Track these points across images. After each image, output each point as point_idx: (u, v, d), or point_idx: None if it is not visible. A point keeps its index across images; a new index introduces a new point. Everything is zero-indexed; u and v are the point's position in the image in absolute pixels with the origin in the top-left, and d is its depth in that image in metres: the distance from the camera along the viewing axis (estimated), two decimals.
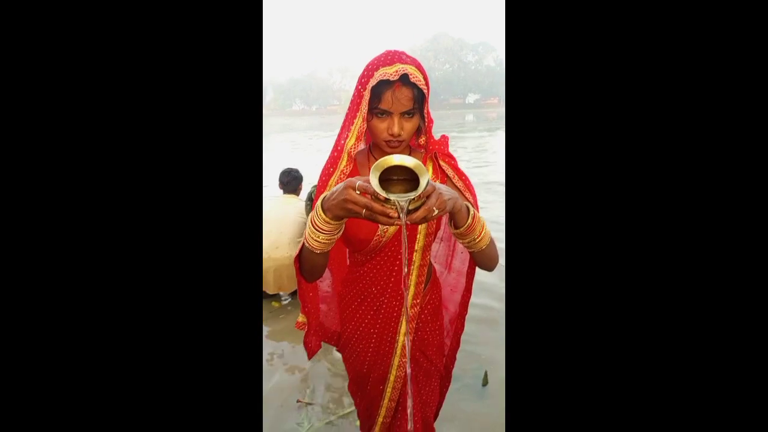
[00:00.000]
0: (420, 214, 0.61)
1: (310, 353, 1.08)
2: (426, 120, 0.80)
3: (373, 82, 0.74)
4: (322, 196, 0.70)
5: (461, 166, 0.91)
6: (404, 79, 0.74)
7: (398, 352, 0.95)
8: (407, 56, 0.77)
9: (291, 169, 2.70)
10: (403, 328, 0.94)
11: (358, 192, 0.61)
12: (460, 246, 1.03)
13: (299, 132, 21.20)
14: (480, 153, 9.88)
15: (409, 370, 0.75)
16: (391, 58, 0.76)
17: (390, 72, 0.73)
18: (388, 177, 0.63)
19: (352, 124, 0.81)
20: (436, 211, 0.62)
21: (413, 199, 0.61)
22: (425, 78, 0.77)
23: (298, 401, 1.67)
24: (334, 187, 0.65)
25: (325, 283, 1.09)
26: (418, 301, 0.93)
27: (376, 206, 0.60)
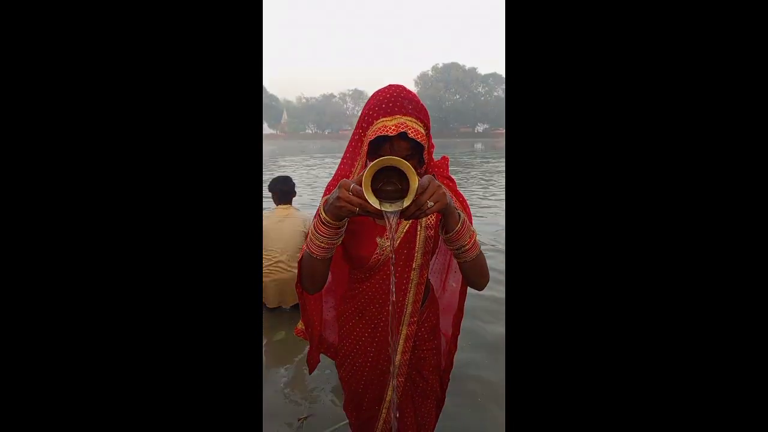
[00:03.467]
0: (412, 209, 0.62)
1: (311, 367, 1.09)
2: (426, 160, 0.82)
3: (371, 133, 0.75)
4: (324, 199, 0.74)
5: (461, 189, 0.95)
6: (403, 135, 0.75)
7: (395, 372, 0.97)
8: (409, 101, 0.77)
9: (286, 176, 2.64)
10: (400, 347, 0.95)
11: (351, 193, 0.64)
12: (455, 263, 1.05)
13: (310, 154, 21.65)
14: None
15: (394, 396, 0.74)
16: (392, 105, 0.75)
17: (390, 125, 0.74)
18: (382, 177, 0.64)
19: (353, 167, 0.83)
20: (432, 204, 0.63)
21: (406, 203, 0.62)
22: (427, 126, 0.78)
23: (298, 419, 1.66)
24: (333, 191, 0.69)
25: (328, 297, 1.11)
26: (415, 319, 0.95)
27: (370, 207, 0.63)
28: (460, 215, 0.74)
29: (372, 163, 0.62)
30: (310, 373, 1.10)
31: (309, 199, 6.57)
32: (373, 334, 0.96)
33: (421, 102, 0.79)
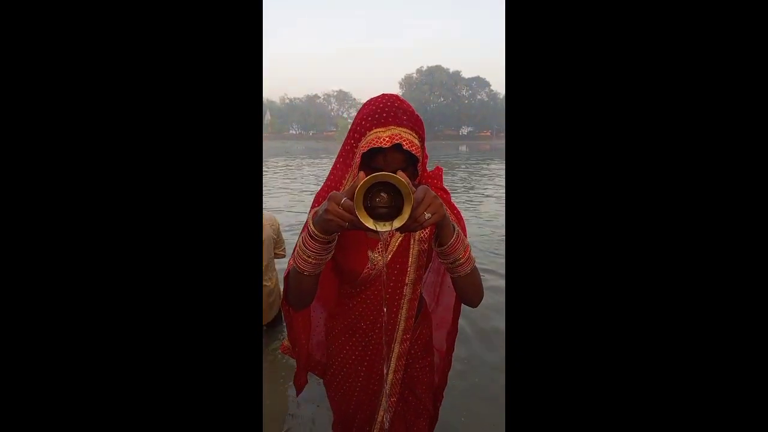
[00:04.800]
0: (408, 222, 0.59)
1: (299, 389, 1.03)
2: (420, 171, 0.78)
3: (364, 145, 0.72)
4: (314, 211, 0.69)
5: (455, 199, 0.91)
6: (397, 147, 0.71)
7: (387, 392, 0.92)
8: (404, 111, 0.73)
9: None
10: (392, 366, 0.90)
11: (341, 207, 0.60)
12: (448, 278, 1.01)
13: (293, 156, 21.44)
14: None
15: (386, 416, 0.71)
16: (386, 116, 0.71)
17: (383, 137, 0.70)
18: (375, 190, 0.61)
19: (344, 178, 0.79)
20: (429, 216, 0.60)
21: (398, 225, 0.59)
22: (422, 137, 0.75)
23: None
24: (323, 203, 0.65)
25: (317, 313, 1.05)
26: (408, 336, 0.90)
27: (360, 224, 0.59)
28: (454, 228, 0.71)
29: (364, 180, 0.58)
30: (297, 395, 1.04)
31: (288, 202, 6.48)
32: (364, 353, 0.91)
33: (416, 112, 0.75)
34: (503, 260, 3.79)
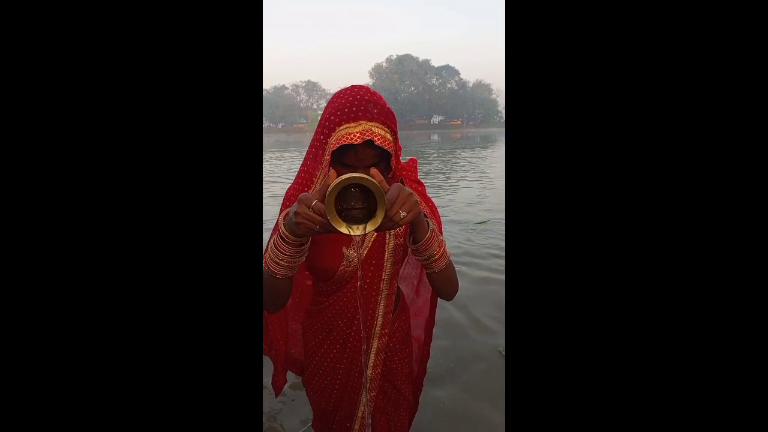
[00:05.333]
0: (383, 222, 0.57)
1: (278, 391, 1.01)
2: (393, 165, 0.76)
3: (334, 141, 0.68)
4: (285, 211, 0.67)
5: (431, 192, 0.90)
6: (369, 142, 0.68)
7: (366, 386, 0.91)
8: (374, 104, 0.69)
9: None
10: (371, 361, 0.90)
11: (312, 210, 0.58)
12: None
13: (264, 148, 20.96)
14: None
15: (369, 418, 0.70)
16: (356, 110, 0.68)
17: (354, 133, 0.67)
18: (347, 191, 0.59)
19: (314, 177, 0.76)
20: (404, 215, 0.58)
21: (371, 228, 0.58)
22: (394, 131, 0.72)
23: None
24: (294, 203, 0.62)
25: (292, 312, 1.03)
26: (386, 331, 0.90)
27: (332, 227, 0.58)
28: (429, 224, 0.70)
29: (335, 183, 0.55)
30: (276, 397, 1.02)
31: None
32: (342, 350, 0.90)
33: (387, 105, 0.72)
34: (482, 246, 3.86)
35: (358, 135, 0.67)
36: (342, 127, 0.68)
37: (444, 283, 0.79)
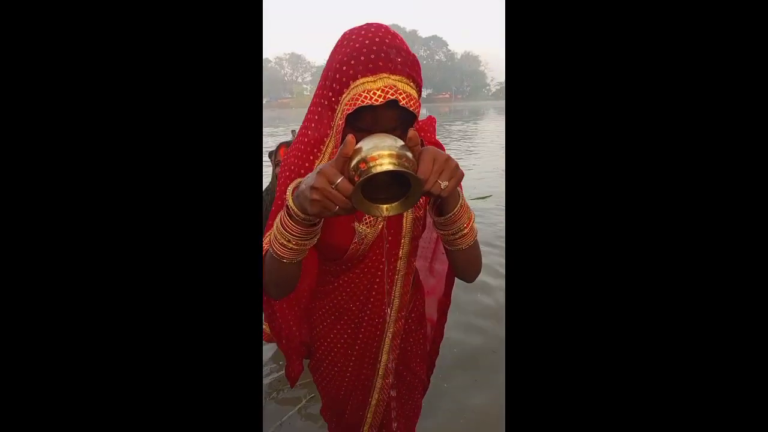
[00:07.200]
0: (423, 194, 0.49)
1: (293, 381, 0.93)
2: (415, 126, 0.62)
3: (348, 101, 0.54)
4: (293, 184, 0.55)
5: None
6: (392, 103, 0.54)
7: (381, 373, 0.84)
8: (397, 51, 0.55)
9: None
10: (387, 347, 0.82)
11: (336, 188, 0.48)
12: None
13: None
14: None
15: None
16: (375, 59, 0.53)
17: (374, 88, 0.53)
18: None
19: (322, 145, 0.63)
20: (445, 184, 0.49)
21: (407, 207, 0.50)
22: (419, 86, 0.58)
23: None
24: (308, 175, 0.51)
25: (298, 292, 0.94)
26: (403, 314, 0.81)
27: (354, 210, 0.49)
28: (459, 194, 0.59)
29: (375, 171, 0.46)
30: (291, 387, 0.95)
31: None
32: (355, 336, 0.82)
33: (411, 51, 0.58)
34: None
35: (379, 92, 0.53)
36: (358, 82, 0.54)
37: (467, 263, 0.69)
